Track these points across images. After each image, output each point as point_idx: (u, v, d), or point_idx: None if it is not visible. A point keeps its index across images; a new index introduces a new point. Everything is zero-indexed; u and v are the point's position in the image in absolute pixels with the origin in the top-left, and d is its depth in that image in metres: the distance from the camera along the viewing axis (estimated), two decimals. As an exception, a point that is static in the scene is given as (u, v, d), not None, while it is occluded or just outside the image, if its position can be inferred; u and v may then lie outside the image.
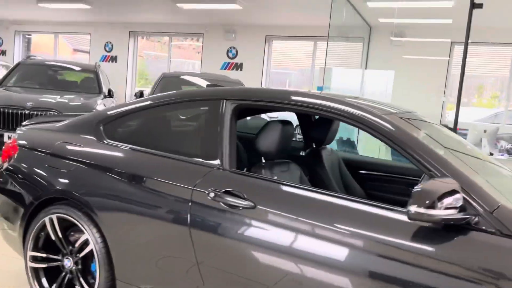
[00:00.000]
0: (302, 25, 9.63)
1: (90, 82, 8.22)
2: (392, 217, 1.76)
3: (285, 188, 2.05)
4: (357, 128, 2.23)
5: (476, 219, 1.61)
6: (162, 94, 2.57)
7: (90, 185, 2.37)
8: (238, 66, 10.43)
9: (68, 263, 2.47)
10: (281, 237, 1.88)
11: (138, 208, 2.22)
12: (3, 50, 13.39)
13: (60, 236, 2.48)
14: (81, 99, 7.26)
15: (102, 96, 7.66)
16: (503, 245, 1.55)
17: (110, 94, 7.80)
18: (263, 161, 2.39)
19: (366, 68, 9.18)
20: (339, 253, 1.77)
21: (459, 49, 9.15)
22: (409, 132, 1.90)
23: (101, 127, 2.56)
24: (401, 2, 6.22)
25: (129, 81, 12.10)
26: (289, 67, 11.73)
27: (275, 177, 2.23)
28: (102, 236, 2.33)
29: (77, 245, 2.43)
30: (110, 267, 2.33)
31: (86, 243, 2.38)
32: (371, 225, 1.77)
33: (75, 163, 2.46)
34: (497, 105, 13.14)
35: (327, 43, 6.29)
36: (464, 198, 1.62)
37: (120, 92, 10.86)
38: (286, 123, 2.37)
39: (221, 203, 2.00)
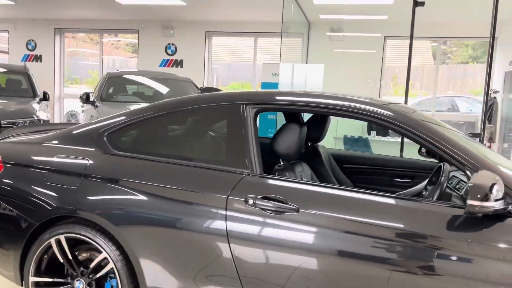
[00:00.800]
0: (242, 21, 9.65)
1: (19, 84, 7.60)
2: (431, 209, 1.88)
3: (319, 189, 2.08)
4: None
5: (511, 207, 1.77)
6: (176, 100, 2.46)
7: (106, 201, 2.22)
8: (178, 63, 10.20)
9: (80, 285, 2.30)
10: (327, 238, 1.92)
11: (166, 221, 2.13)
12: None
13: (70, 257, 2.30)
14: (15, 104, 6.71)
15: (37, 99, 7.14)
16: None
17: (45, 97, 7.29)
18: (281, 163, 2.42)
19: (307, 62, 9.45)
20: (387, 247, 1.85)
21: (391, 43, 9.77)
22: (443, 131, 2.02)
23: (105, 138, 2.40)
24: (347, 0, 6.49)
25: (57, 82, 11.32)
26: (232, 62, 11.72)
27: (300, 178, 2.26)
28: (123, 253, 2.20)
29: (92, 265, 2.27)
30: (135, 284, 2.21)
31: (104, 261, 2.23)
32: (411, 218, 1.87)
33: (82, 178, 2.28)
34: (418, 93, 14.24)
35: (281, 39, 6.40)
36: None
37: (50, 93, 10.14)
38: (301, 124, 2.40)
39: (263, 210, 1.99)
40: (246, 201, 2.02)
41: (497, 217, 1.77)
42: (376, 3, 7.06)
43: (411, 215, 1.90)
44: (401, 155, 5.77)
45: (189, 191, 2.12)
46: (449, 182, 2.39)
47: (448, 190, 2.25)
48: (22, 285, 2.45)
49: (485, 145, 8.29)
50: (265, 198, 2.01)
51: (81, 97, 6.35)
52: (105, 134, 2.41)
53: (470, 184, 1.70)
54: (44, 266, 2.37)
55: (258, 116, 2.29)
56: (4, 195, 2.42)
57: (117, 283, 2.27)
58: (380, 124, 2.11)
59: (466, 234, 1.78)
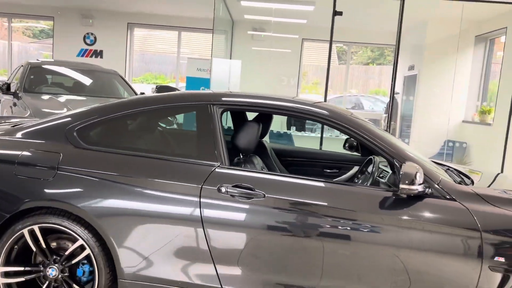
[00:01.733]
0: (166, 15, 9.70)
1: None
2: (372, 193, 2.35)
3: (278, 178, 2.46)
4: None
5: (430, 190, 2.31)
6: (148, 98, 2.66)
7: (82, 192, 2.37)
8: (98, 54, 9.94)
9: (53, 272, 2.42)
10: (292, 220, 2.30)
11: (142, 209, 2.34)
12: None
13: (44, 246, 2.41)
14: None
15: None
16: (448, 205, 2.28)
17: None
18: (241, 156, 2.75)
19: (231, 58, 9.81)
20: (342, 225, 2.28)
21: (307, 45, 10.50)
22: (376, 130, 2.50)
23: (75, 133, 2.54)
24: (272, 4, 6.96)
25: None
26: (154, 54, 11.63)
27: (258, 169, 2.61)
28: (99, 240, 2.37)
29: (67, 252, 2.41)
30: (111, 268, 2.40)
31: (81, 249, 2.38)
32: (357, 200, 2.32)
33: (56, 171, 2.40)
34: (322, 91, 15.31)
35: (212, 35, 6.69)
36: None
37: None
38: (258, 122, 2.75)
39: (233, 196, 2.30)
40: (219, 190, 2.32)
41: (418, 197, 2.29)
42: (298, 8, 7.64)
43: (355, 198, 2.35)
44: (320, 148, 6.41)
45: (164, 181, 2.37)
46: (377, 172, 2.91)
47: (377, 179, 2.76)
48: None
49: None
50: (236, 186, 2.33)
51: (0, 88, 6.02)
52: (75, 129, 2.54)
53: (401, 173, 2.19)
54: (13, 255, 2.45)
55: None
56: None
57: (90, 268, 2.44)
58: (324, 123, 2.54)
59: (395, 211, 2.27)
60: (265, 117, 3.35)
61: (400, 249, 2.24)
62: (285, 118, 8.09)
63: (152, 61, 15.13)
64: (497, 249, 2.19)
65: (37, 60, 7.16)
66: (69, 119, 2.63)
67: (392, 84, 6.49)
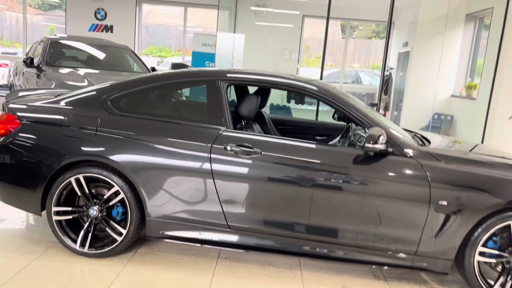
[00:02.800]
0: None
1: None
2: (344, 151, 2.97)
3: (275, 139, 3.07)
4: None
5: (392, 149, 2.92)
6: (171, 73, 3.25)
7: (117, 149, 2.99)
8: (108, 28, 10.43)
9: (93, 212, 3.08)
10: (282, 172, 2.93)
11: (165, 163, 2.97)
12: None
13: (87, 191, 3.06)
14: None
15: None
16: (406, 161, 2.90)
17: None
18: (243, 123, 3.37)
19: (234, 32, 10.29)
20: (319, 178, 2.91)
21: (307, 20, 10.93)
22: (349, 101, 3.10)
23: (108, 102, 3.15)
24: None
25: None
26: (159, 27, 12.08)
27: (257, 133, 3.22)
28: (131, 187, 3.01)
29: (106, 196, 3.05)
30: (140, 209, 3.05)
31: (115, 194, 3.03)
32: (333, 157, 2.94)
33: (95, 132, 3.02)
34: (327, 66, 15.75)
35: (218, 11, 7.16)
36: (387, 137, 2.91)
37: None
38: (258, 96, 3.35)
39: (237, 153, 2.93)
40: (225, 148, 2.94)
41: (382, 155, 2.91)
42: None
43: (332, 156, 2.96)
44: (316, 119, 7.00)
45: (182, 141, 2.99)
46: (354, 137, 3.52)
47: (353, 141, 3.37)
48: (40, 215, 3.16)
49: (380, 113, 9.91)
50: (238, 145, 2.95)
51: (25, 62, 6.59)
52: (109, 99, 3.15)
53: (367, 134, 2.80)
54: (62, 199, 3.10)
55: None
56: (24, 145, 3.07)
57: (123, 210, 3.09)
58: (313, 96, 3.13)
59: (364, 166, 2.89)
60: (264, 91, 3.94)
61: (369, 195, 2.87)
62: (285, 92, 8.67)
63: (156, 34, 15.56)
64: (441, 195, 2.82)
65: (55, 35, 7.69)
66: (104, 90, 3.23)
67: (383, 60, 7.01)
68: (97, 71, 6.71)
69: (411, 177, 2.86)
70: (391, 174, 2.88)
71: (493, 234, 2.91)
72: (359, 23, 13.68)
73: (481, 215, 2.81)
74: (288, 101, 9.03)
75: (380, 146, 2.81)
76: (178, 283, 2.87)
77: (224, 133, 3.01)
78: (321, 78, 7.44)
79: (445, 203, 2.83)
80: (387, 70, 10.31)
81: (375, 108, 7.99)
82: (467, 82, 8.18)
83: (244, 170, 2.95)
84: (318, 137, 4.37)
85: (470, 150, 3.46)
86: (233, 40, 10.06)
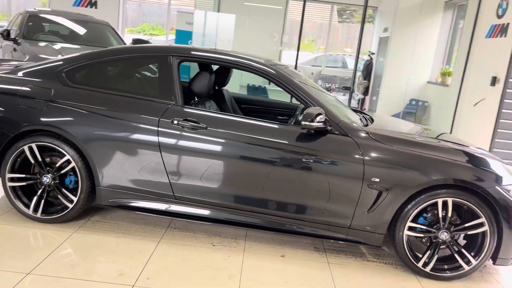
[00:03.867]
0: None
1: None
2: (287, 129, 3.10)
3: (222, 115, 3.20)
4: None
5: (330, 127, 3.06)
6: (123, 48, 3.36)
7: (69, 119, 3.11)
8: (93, 4, 10.41)
9: (47, 179, 3.21)
10: (225, 146, 3.06)
11: (115, 135, 3.10)
12: None
13: (40, 159, 3.19)
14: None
15: None
16: (343, 140, 3.04)
17: None
18: (196, 99, 3.49)
19: (219, 11, 10.30)
20: (262, 153, 3.05)
21: (293, 3, 10.94)
22: (295, 80, 3.22)
23: (63, 74, 3.25)
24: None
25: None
26: (152, 5, 12.05)
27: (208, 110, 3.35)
28: (81, 156, 3.14)
29: (57, 164, 3.19)
30: (90, 179, 3.19)
31: (67, 162, 3.16)
32: (279, 134, 3.08)
33: (48, 102, 3.13)
34: (316, 49, 15.79)
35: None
36: (326, 117, 3.05)
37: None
38: (211, 72, 3.46)
39: (183, 127, 3.06)
40: (172, 122, 3.07)
41: (322, 133, 3.05)
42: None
43: (275, 133, 3.10)
44: (291, 101, 7.12)
45: (133, 113, 3.11)
46: (301, 116, 3.64)
47: (299, 120, 3.47)
48: (-4, 182, 3.29)
49: (363, 98, 10.02)
50: (185, 120, 3.08)
51: (1, 34, 6.63)
52: (64, 71, 3.26)
53: (304, 113, 2.93)
54: (16, 166, 3.23)
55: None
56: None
57: (75, 179, 3.23)
58: (257, 74, 3.25)
59: (304, 143, 3.03)
60: (224, 70, 4.05)
61: (307, 171, 3.02)
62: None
63: (150, 12, 15.47)
64: (374, 172, 2.98)
65: (35, 9, 7.70)
66: (59, 62, 3.33)
67: (358, 46, 7.10)
68: (74, 46, 6.76)
69: (347, 154, 3.00)
70: (328, 151, 3.02)
71: (423, 211, 3.08)
72: (357, 8, 13.65)
73: (411, 192, 2.98)
74: (269, 83, 9.14)
75: (317, 124, 2.95)
76: (122, 248, 3.03)
77: (172, 108, 3.14)
78: (296, 62, 7.55)
79: (377, 180, 2.98)
80: (368, 55, 10.40)
81: (350, 91, 8.12)
82: (442, 69, 8.31)
83: (190, 144, 3.08)
84: (280, 117, 4.50)
85: (436, 137, 3.57)
86: (216, 19, 10.09)
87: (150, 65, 3.40)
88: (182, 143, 3.09)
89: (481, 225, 3.00)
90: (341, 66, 13.94)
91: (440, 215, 3.03)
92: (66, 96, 3.18)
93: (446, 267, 3.11)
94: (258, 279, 2.84)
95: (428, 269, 3.07)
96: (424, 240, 3.15)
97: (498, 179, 2.99)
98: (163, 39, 12.42)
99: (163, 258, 2.96)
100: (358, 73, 10.73)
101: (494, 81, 5.84)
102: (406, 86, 8.68)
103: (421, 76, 8.73)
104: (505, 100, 5.63)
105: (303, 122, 2.93)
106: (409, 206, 3.01)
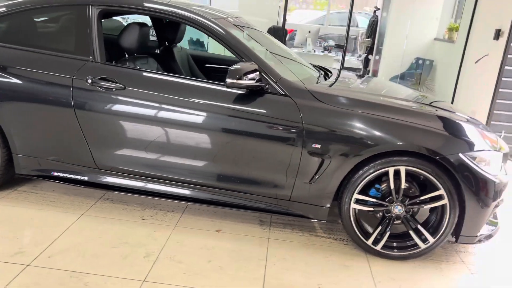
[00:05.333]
0: None
1: None
2: (223, 89, 2.69)
3: (146, 74, 2.81)
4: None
5: (267, 86, 2.63)
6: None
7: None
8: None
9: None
10: (147, 109, 2.69)
11: (27, 98, 2.77)
12: None
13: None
14: None
15: None
16: (281, 100, 2.62)
17: None
18: (126, 56, 3.10)
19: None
20: (189, 116, 2.66)
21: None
22: (228, 30, 2.78)
23: None
24: None
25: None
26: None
27: (142, 68, 2.97)
28: (-5, 122, 2.85)
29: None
30: (5, 147, 2.89)
31: (-20, 128, 2.87)
32: (209, 95, 2.68)
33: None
34: (337, 8, 14.96)
35: None
36: (261, 74, 2.62)
37: None
38: (142, 25, 3.05)
39: (97, 87, 2.70)
40: (86, 81, 2.71)
41: (259, 93, 2.63)
42: None
43: (210, 94, 2.68)
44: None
45: (44, 72, 2.76)
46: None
47: None
48: None
49: (366, 57, 9.39)
50: (101, 79, 2.71)
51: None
52: None
53: (231, 68, 2.51)
54: None
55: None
56: None
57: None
58: (189, 25, 2.82)
59: (241, 105, 2.62)
60: (173, 24, 3.63)
61: (240, 136, 2.63)
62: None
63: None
64: (315, 138, 2.56)
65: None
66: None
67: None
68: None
69: (284, 117, 2.59)
70: (264, 113, 2.61)
71: (376, 182, 2.67)
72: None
73: (357, 160, 2.56)
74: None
75: (247, 82, 2.53)
76: (36, 222, 2.75)
77: (89, 65, 2.77)
78: (283, 24, 7.00)
79: (318, 146, 2.57)
80: (374, 11, 9.66)
81: (343, 50, 7.55)
82: (449, 24, 7.57)
83: (106, 106, 2.73)
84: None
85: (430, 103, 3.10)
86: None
87: (67, 17, 3.00)
88: (99, 105, 2.74)
89: (439, 197, 2.57)
90: (352, 25, 13.13)
91: (392, 187, 2.61)
92: (-26, 54, 2.85)
93: (400, 245, 2.71)
94: (178, 257, 2.52)
95: (378, 247, 2.69)
96: (379, 215, 2.75)
97: (462, 145, 2.52)
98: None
99: (78, 233, 2.67)
100: (361, 31, 10.01)
101: (498, 34, 5.19)
102: (411, 43, 7.99)
103: (428, 32, 8.00)
104: (509, 56, 4.99)
105: (227, 80, 2.51)
106: (356, 176, 2.60)
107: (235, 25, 3.05)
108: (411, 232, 2.66)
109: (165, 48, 3.74)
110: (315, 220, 2.82)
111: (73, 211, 2.93)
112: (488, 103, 5.21)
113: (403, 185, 2.58)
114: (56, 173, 2.92)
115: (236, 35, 2.80)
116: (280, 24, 10.28)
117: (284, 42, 8.78)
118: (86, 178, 2.89)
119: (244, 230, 2.91)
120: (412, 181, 2.69)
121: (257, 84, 2.58)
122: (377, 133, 2.52)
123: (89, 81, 2.71)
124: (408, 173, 2.58)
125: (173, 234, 2.77)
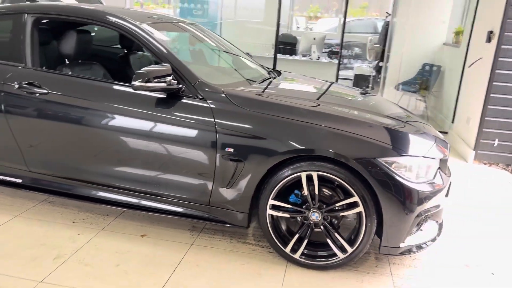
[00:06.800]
0: None
1: None
2: (141, 93, 2.68)
3: (68, 78, 2.86)
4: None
5: (184, 89, 2.60)
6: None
7: None
8: (101, -21, 10.37)
9: None
10: (68, 112, 2.74)
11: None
12: None
13: None
14: None
15: None
16: (198, 103, 2.58)
17: None
18: (67, 61, 3.17)
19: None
20: (108, 120, 2.68)
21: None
22: (150, 34, 2.77)
23: None
24: None
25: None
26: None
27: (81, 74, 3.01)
28: None
29: None
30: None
31: None
32: (128, 98, 2.68)
33: None
34: (373, 15, 14.76)
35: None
36: (177, 76, 2.60)
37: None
38: (82, 32, 3.11)
39: (23, 92, 2.78)
40: (15, 86, 2.80)
41: (177, 96, 2.61)
42: None
43: (130, 98, 2.69)
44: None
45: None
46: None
47: None
48: None
49: (378, 64, 9.14)
50: (29, 84, 2.79)
51: None
52: None
53: (139, 71, 2.49)
54: None
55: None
56: None
57: None
58: (116, 30, 2.84)
59: (165, 109, 2.60)
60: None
61: (158, 140, 2.60)
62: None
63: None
64: (228, 142, 2.50)
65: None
66: None
67: (346, 2, 6.32)
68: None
69: (200, 121, 2.55)
70: (180, 117, 2.58)
71: (296, 187, 2.56)
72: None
73: (269, 165, 2.47)
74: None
75: (155, 84, 2.50)
76: (-30, 222, 2.85)
77: (19, 70, 2.86)
78: (277, 33, 6.93)
79: (231, 150, 2.51)
80: (386, 16, 9.40)
81: (339, 56, 7.37)
82: (456, 27, 7.22)
83: (32, 109, 2.80)
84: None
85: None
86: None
87: (6, 24, 3.11)
88: (25, 107, 2.81)
89: (355, 204, 2.42)
90: (372, 32, 12.86)
91: (306, 192, 2.49)
92: None
93: (319, 254, 2.58)
94: (87, 260, 2.52)
95: (297, 255, 2.57)
96: (300, 222, 2.63)
97: (378, 150, 2.37)
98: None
99: (2, 234, 2.74)
100: (369, 37, 9.74)
101: (489, 36, 4.86)
102: (418, 49, 7.68)
103: (436, 37, 7.67)
104: (499, 59, 4.65)
105: (133, 82, 2.50)
106: (271, 181, 2.50)
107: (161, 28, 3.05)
108: (329, 241, 2.52)
109: (122, 55, 3.80)
110: (231, 226, 2.71)
111: (9, 212, 3.01)
112: (480, 109, 4.89)
113: (317, 190, 2.46)
114: (-3, 177, 3.02)
115: (155, 38, 2.78)
116: (291, 32, 10.25)
117: (295, 50, 8.72)
118: (18, 181, 2.97)
119: (171, 235, 2.88)
120: (336, 188, 2.56)
121: (168, 86, 2.55)
122: (285, 136, 2.42)
123: (16, 86, 2.79)
124: (327, 180, 2.46)
125: (96, 237, 2.78)
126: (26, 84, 2.79)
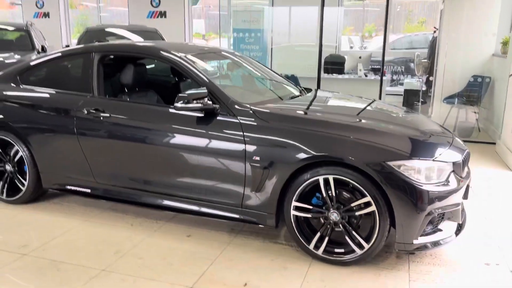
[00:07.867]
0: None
1: (23, 40, 9.09)
2: (185, 114, 3.18)
3: (123, 103, 3.44)
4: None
5: (218, 108, 3.06)
6: (59, 50, 3.82)
7: (18, 116, 3.67)
8: (162, 14, 11.39)
9: (8, 167, 3.82)
10: (125, 131, 3.30)
11: (47, 127, 3.56)
12: None
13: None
14: (16, 56, 8.21)
15: (35, 52, 8.61)
16: (229, 119, 3.02)
17: (43, 49, 8.75)
18: (126, 90, 3.77)
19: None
20: (160, 137, 3.20)
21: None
22: (191, 63, 3.28)
23: (18, 77, 3.83)
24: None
25: (64, 34, 12.81)
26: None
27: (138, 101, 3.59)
28: (28, 148, 3.67)
29: (11, 154, 3.77)
30: (35, 166, 3.70)
31: (17, 152, 3.72)
32: (173, 118, 3.19)
33: (4, 102, 3.74)
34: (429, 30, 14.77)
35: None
36: (212, 98, 3.06)
37: (58, 46, 11.62)
38: (138, 65, 3.70)
39: (93, 116, 3.38)
40: (85, 111, 3.41)
41: (214, 114, 3.06)
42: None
43: (171, 117, 3.20)
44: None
45: (58, 107, 3.53)
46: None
47: None
48: None
49: (427, 79, 9.17)
50: (95, 109, 3.39)
51: (38, 51, 7.82)
52: (18, 74, 3.83)
53: (180, 95, 2.99)
54: (-12, 157, 3.91)
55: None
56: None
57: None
58: (156, 59, 3.39)
59: (204, 126, 3.08)
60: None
61: (200, 153, 3.07)
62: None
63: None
64: (255, 151, 2.90)
65: (95, 25, 8.83)
66: (19, 66, 3.92)
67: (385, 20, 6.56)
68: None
69: (232, 135, 2.98)
70: (216, 132, 3.03)
71: (316, 190, 2.88)
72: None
73: (291, 170, 2.83)
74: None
75: (195, 105, 2.98)
76: (49, 223, 3.46)
77: (88, 99, 3.48)
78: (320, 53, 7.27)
79: (258, 158, 2.90)
80: (434, 32, 9.41)
81: (381, 72, 7.52)
82: (504, 37, 7.15)
83: (99, 130, 3.39)
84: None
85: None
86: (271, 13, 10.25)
87: (78, 62, 3.78)
88: (93, 129, 3.41)
89: (368, 204, 2.70)
90: (419, 47, 12.78)
91: (324, 194, 2.81)
92: (15, 96, 3.75)
93: (340, 250, 2.86)
94: (140, 255, 3.00)
95: (319, 252, 2.87)
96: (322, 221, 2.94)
97: (387, 154, 2.66)
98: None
99: (75, 234, 3.31)
100: (416, 52, 9.75)
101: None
102: (467, 61, 7.65)
103: (484, 48, 7.60)
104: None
105: (175, 104, 3.00)
106: (293, 185, 2.86)
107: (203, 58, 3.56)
108: (347, 238, 2.81)
109: (174, 83, 4.37)
110: (262, 226, 3.07)
111: (81, 217, 3.60)
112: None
113: (333, 192, 2.77)
114: (71, 188, 3.64)
115: (195, 66, 3.29)
116: (339, 52, 10.54)
117: (343, 69, 9.02)
118: (89, 191, 3.56)
119: (212, 236, 3.29)
120: (353, 190, 2.85)
121: (204, 106, 3.01)
122: (302, 145, 2.78)
123: (85, 111, 3.41)
124: (343, 182, 2.77)
125: (148, 237, 3.26)
126: (93, 110, 3.40)
